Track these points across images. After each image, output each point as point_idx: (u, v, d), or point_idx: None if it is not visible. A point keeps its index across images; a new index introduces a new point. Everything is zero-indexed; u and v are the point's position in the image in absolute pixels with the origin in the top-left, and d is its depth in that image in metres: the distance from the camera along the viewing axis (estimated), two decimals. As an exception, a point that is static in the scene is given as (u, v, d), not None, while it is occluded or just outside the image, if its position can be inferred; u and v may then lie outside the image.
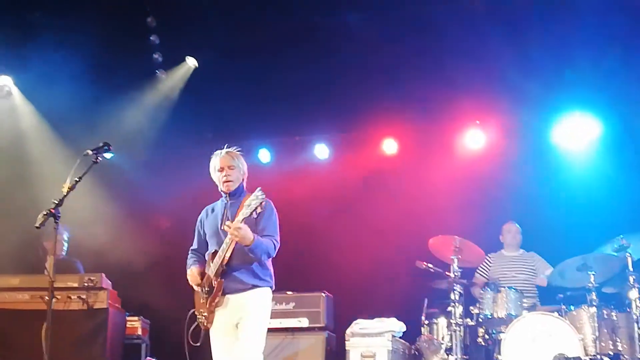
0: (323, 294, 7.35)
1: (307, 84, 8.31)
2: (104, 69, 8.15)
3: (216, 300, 4.97)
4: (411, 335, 7.31)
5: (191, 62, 8.70)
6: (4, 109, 8.65)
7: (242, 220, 4.77)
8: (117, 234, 8.22)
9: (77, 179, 4.63)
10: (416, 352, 7.21)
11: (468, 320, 6.97)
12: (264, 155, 9.33)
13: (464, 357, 6.79)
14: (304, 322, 7.30)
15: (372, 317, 7.17)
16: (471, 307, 7.04)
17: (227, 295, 4.99)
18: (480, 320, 6.95)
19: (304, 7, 7.67)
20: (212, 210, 5.30)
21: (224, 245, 4.94)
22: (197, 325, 5.08)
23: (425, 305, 7.32)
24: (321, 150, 9.17)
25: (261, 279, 5.06)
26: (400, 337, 7.17)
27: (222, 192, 5.22)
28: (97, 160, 4.78)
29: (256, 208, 4.80)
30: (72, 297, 6.90)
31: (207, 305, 5.01)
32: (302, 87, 8.35)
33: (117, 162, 8.85)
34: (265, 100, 8.52)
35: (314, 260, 8.41)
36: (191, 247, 5.37)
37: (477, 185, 8.26)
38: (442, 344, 6.98)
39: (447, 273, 7.03)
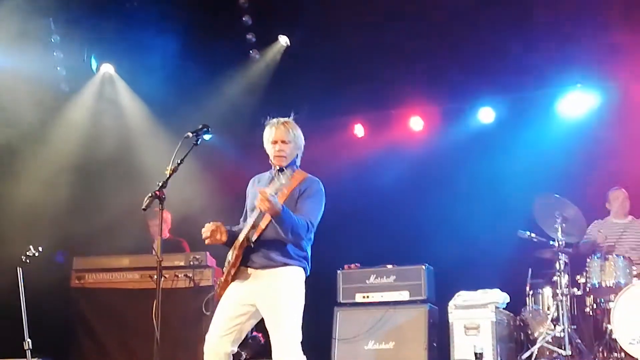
0: (424, 267, 7.31)
1: (400, 58, 8.25)
2: (199, 52, 8.32)
3: (232, 272, 4.56)
4: (515, 306, 7.20)
5: (283, 41, 8.75)
6: (107, 95, 8.96)
7: (275, 193, 4.29)
8: (219, 212, 8.41)
9: (180, 161, 4.72)
10: (521, 323, 7.10)
11: (575, 289, 6.80)
12: (359, 129, 9.33)
13: (572, 327, 6.63)
14: (405, 295, 7.27)
15: (474, 289, 7.09)
16: (577, 276, 6.87)
17: (251, 269, 4.57)
18: (587, 289, 6.77)
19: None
20: (259, 181, 4.87)
21: (250, 219, 4.52)
22: (213, 295, 4.79)
23: (530, 275, 7.19)
24: (416, 122, 9.08)
25: (292, 257, 4.57)
26: (504, 309, 7.07)
27: (271, 164, 4.78)
28: (198, 142, 4.84)
29: (287, 184, 4.29)
30: (179, 275, 7.14)
31: (225, 275, 4.62)
32: (395, 60, 8.29)
33: (215, 143, 9.05)
34: (358, 75, 8.50)
35: (414, 233, 8.35)
36: (241, 220, 4.93)
37: (581, 149, 7.98)
38: (548, 314, 6.83)
39: (551, 242, 6.88)
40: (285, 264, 4.55)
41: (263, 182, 4.79)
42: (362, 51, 8.31)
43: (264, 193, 4.26)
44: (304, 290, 4.60)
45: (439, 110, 9.04)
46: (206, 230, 4.64)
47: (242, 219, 4.88)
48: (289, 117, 4.80)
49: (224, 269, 4.67)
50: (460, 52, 8.13)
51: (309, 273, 4.68)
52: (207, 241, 4.67)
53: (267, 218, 4.48)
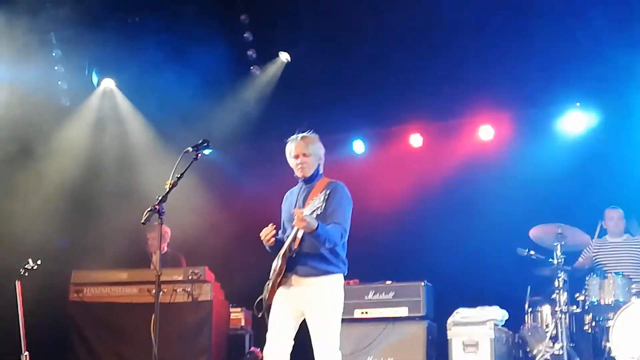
0: (423, 283, 7.29)
1: (400, 74, 8.29)
2: (200, 67, 8.35)
3: (279, 280, 4.90)
4: (514, 323, 7.18)
5: (284, 57, 8.79)
6: (108, 109, 8.98)
7: (311, 212, 4.69)
8: (216, 227, 8.42)
9: (179, 176, 4.75)
10: (520, 341, 7.08)
11: (574, 307, 6.79)
12: (359, 146, 9.36)
13: (570, 345, 6.62)
14: (403, 312, 7.24)
15: (473, 306, 7.08)
16: (577, 294, 6.87)
17: (295, 277, 4.90)
18: (586, 307, 6.76)
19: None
20: (291, 194, 5.24)
21: (291, 232, 4.87)
22: (261, 299, 5.02)
23: (529, 292, 7.18)
24: (415, 139, 9.10)
25: (332, 264, 4.92)
26: (503, 326, 7.06)
27: (298, 177, 5.15)
28: (198, 156, 4.88)
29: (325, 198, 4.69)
30: (178, 290, 7.13)
31: (271, 283, 4.95)
32: (394, 76, 8.33)
33: (215, 158, 9.07)
34: (359, 91, 8.54)
35: (413, 249, 8.36)
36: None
37: (579, 169, 8.01)
38: (547, 332, 6.82)
39: (550, 259, 6.88)
40: (327, 272, 4.90)
41: (294, 195, 5.19)
42: (362, 67, 8.36)
43: (299, 214, 4.66)
44: (342, 296, 4.97)
45: (439, 127, 9.04)
46: (269, 232, 4.93)
47: (280, 231, 5.14)
48: (307, 131, 5.17)
49: (270, 276, 4.98)
50: (459, 69, 8.15)
51: (346, 273, 5.03)
52: (267, 240, 4.95)
53: (300, 230, 4.84)
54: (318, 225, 4.70)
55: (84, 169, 8.58)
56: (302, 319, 4.94)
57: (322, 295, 4.86)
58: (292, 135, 5.16)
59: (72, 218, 8.35)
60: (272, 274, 4.97)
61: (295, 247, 4.86)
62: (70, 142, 8.64)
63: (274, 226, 4.95)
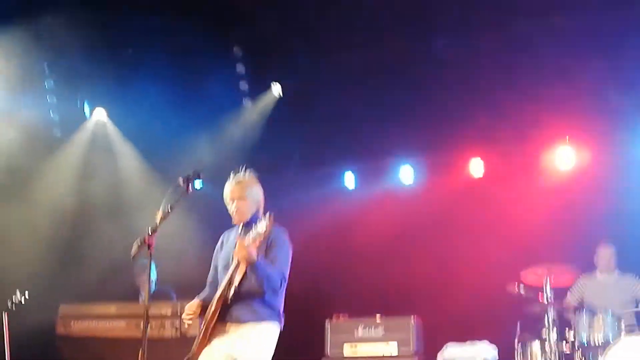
0: (412, 318, 7.26)
1: (391, 108, 8.34)
2: (193, 99, 8.38)
3: (210, 328, 4.66)
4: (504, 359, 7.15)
5: (275, 91, 8.83)
6: (99, 141, 8.98)
7: (252, 240, 4.48)
8: (208, 261, 8.37)
9: (170, 208, 4.72)
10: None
11: (563, 345, 6.75)
12: (349, 180, 9.37)
13: (561, 383, 6.59)
14: (393, 347, 7.21)
15: (463, 340, 7.05)
16: (567, 329, 6.83)
17: (229, 324, 4.67)
18: (576, 346, 6.73)
19: (388, 32, 7.70)
20: (227, 239, 5.02)
21: (225, 275, 4.66)
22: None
23: (518, 329, 7.15)
24: (406, 174, 9.12)
25: (268, 314, 4.72)
26: (492, 362, 7.03)
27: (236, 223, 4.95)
28: (188, 190, 4.86)
29: (263, 233, 4.49)
30: (166, 324, 7.06)
31: (202, 332, 4.69)
32: (386, 110, 8.37)
33: (206, 190, 9.04)
34: (350, 125, 8.58)
35: (403, 283, 8.35)
36: (209, 278, 5.09)
37: (569, 205, 8.04)
38: (536, 370, 6.79)
39: (539, 297, 6.86)
40: (262, 320, 4.69)
41: (230, 242, 4.93)
42: (354, 101, 8.41)
43: (242, 242, 4.46)
44: (274, 346, 4.76)
45: (430, 160, 9.07)
46: (192, 315, 4.81)
47: (211, 276, 5.01)
48: (244, 172, 4.99)
49: (201, 326, 4.74)
50: (449, 105, 8.20)
51: (282, 325, 4.81)
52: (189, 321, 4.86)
53: (241, 271, 4.61)
54: (258, 257, 4.52)
55: (74, 201, 8.55)
56: None
57: (252, 342, 4.63)
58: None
59: (61, 250, 8.30)
60: (202, 325, 4.73)
61: (232, 291, 4.63)
62: (61, 174, 8.62)
63: (198, 305, 4.80)
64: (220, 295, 4.64)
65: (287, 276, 4.76)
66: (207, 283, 5.05)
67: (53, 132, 8.80)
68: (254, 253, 4.49)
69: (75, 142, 8.87)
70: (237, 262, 4.59)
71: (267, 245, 4.68)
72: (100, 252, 8.21)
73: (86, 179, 8.74)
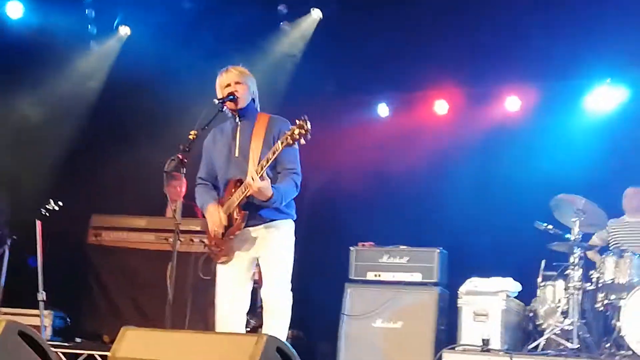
0: (438, 250, 7.28)
1: (428, 39, 8.20)
2: (228, 20, 8.29)
3: (236, 233, 4.68)
4: (527, 296, 7.18)
5: (316, 15, 8.69)
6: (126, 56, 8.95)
7: (261, 168, 4.46)
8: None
9: (205, 126, 4.75)
10: (531, 314, 7.10)
11: (587, 284, 6.78)
12: (383, 109, 9.30)
13: (581, 321, 6.62)
14: (417, 277, 7.24)
15: (487, 276, 7.09)
16: (591, 272, 6.85)
17: (246, 228, 4.70)
18: (600, 285, 6.75)
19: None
20: (221, 132, 4.93)
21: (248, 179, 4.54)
22: (207, 257, 4.91)
23: (543, 266, 7.18)
24: (441, 106, 9.04)
25: (282, 212, 4.74)
26: (515, 297, 7.07)
27: (230, 112, 4.87)
28: (223, 108, 4.86)
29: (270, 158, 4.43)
30: (195, 240, 7.18)
31: (224, 237, 4.74)
32: (424, 42, 8.24)
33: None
34: (388, 54, 8.46)
35: (431, 215, 8.36)
36: (198, 175, 5.04)
37: (606, 145, 7.93)
38: (559, 307, 6.83)
39: (567, 235, 6.86)
40: (275, 219, 4.72)
41: (226, 133, 4.89)
42: (393, 31, 8.27)
43: (251, 186, 4.43)
44: (294, 241, 4.82)
45: (464, 94, 8.96)
46: (220, 226, 4.76)
47: (204, 172, 4.98)
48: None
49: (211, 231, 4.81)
50: (488, 38, 8.06)
51: (295, 218, 4.88)
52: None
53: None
54: (273, 193, 4.53)
55: (107, 111, 8.60)
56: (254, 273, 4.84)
57: (273, 243, 4.71)
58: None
59: (93, 161, 8.41)
60: (216, 229, 4.78)
61: (243, 200, 4.62)
62: (88, 80, 8.67)
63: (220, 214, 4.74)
64: (240, 202, 4.64)
65: (300, 173, 4.77)
66: (199, 179, 5.01)
67: (90, 45, 8.79)
68: (268, 192, 4.50)
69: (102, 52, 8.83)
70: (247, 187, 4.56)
71: (274, 138, 4.62)
72: (130, 164, 8.28)
73: (115, 87, 8.75)
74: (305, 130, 4.31)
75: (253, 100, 4.91)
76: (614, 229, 7.43)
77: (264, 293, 4.75)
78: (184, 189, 7.94)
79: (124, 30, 8.90)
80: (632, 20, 7.36)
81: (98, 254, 7.50)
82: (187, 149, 4.59)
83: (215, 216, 4.79)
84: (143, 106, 8.68)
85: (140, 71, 8.53)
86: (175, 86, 8.59)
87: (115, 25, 8.85)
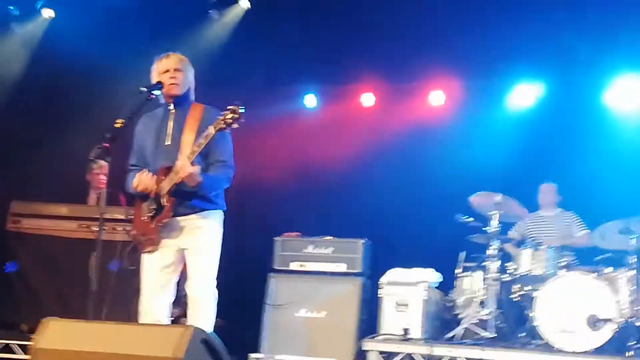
0: (362, 240, 7.37)
1: (358, 32, 8.29)
2: (156, 7, 8.17)
3: (164, 221, 4.64)
4: (446, 286, 7.37)
5: (244, 4, 8.67)
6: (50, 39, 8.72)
7: (192, 154, 4.45)
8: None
9: (130, 115, 4.70)
10: (450, 304, 7.28)
11: (504, 275, 7.00)
12: (310, 100, 9.35)
13: (498, 311, 6.84)
14: (341, 267, 7.30)
15: (410, 267, 7.23)
16: (507, 264, 7.08)
17: (175, 217, 4.66)
18: (516, 276, 6.98)
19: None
20: (153, 119, 4.88)
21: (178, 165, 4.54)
22: (133, 246, 4.86)
23: (463, 258, 7.37)
24: (367, 98, 9.15)
25: (212, 201, 4.73)
26: (436, 287, 7.24)
27: (164, 99, 4.83)
28: (150, 97, 4.81)
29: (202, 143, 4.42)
30: (117, 228, 7.09)
31: (152, 225, 4.69)
32: (351, 34, 8.33)
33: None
34: (316, 46, 8.51)
35: (356, 207, 8.48)
36: (130, 162, 4.96)
37: (525, 142, 8.20)
38: (476, 297, 7.04)
39: (486, 228, 7.07)
40: (205, 209, 4.71)
41: (157, 121, 4.84)
42: (320, 22, 8.34)
43: (183, 169, 4.42)
44: (222, 233, 4.81)
45: (390, 87, 9.07)
46: (147, 184, 4.69)
47: (135, 159, 4.91)
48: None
49: (143, 216, 4.75)
50: (415, 33, 8.22)
51: (225, 209, 4.87)
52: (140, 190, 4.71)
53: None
54: (203, 179, 4.52)
55: (31, 94, 8.38)
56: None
57: (201, 233, 4.68)
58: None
59: (15, 146, 8.20)
60: (146, 215, 4.73)
61: (173, 187, 4.59)
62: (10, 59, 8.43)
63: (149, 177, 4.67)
64: (170, 189, 4.61)
65: (233, 164, 4.75)
66: (131, 166, 4.93)
67: (10, 26, 8.55)
68: (198, 177, 4.49)
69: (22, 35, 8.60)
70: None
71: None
72: (53, 150, 8.10)
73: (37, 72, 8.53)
74: (238, 115, 4.32)
75: (189, 89, 4.86)
76: (531, 222, 7.71)
77: (189, 285, 4.72)
78: (106, 177, 7.83)
79: (48, 13, 8.67)
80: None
81: (17, 241, 7.30)
82: (113, 138, 4.54)
83: (145, 177, 4.71)
84: (67, 92, 8.49)
85: (64, 56, 8.31)
86: (101, 72, 8.44)
87: (38, 7, 8.60)
